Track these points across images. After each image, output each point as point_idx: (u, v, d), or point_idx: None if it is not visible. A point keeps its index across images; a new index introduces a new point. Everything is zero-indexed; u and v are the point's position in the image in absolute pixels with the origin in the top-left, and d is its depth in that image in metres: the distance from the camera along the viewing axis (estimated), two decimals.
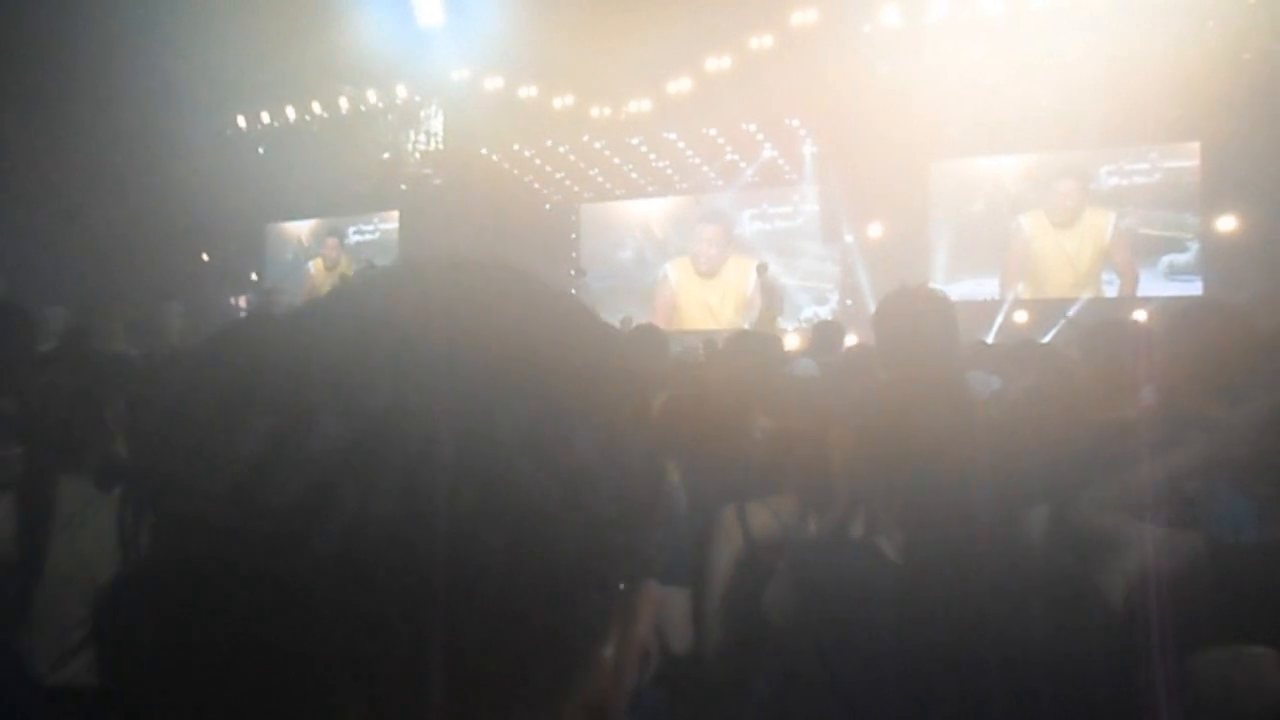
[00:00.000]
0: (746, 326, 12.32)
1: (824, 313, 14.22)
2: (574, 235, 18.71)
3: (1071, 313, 12.60)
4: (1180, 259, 13.28)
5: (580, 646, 0.50)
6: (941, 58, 12.40)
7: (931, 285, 2.91)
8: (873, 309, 2.75)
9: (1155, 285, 13.13)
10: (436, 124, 17.01)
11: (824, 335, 6.46)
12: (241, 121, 17.80)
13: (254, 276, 18.93)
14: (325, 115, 17.46)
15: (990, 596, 1.59)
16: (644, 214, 18.06)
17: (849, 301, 14.28)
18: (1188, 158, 13.19)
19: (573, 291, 0.81)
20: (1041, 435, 2.41)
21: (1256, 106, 10.62)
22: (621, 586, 0.51)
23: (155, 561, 0.46)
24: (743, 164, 16.16)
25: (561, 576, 0.46)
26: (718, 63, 13.83)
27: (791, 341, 10.66)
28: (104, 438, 2.56)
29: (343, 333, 0.48)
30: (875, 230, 13.88)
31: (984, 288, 14.07)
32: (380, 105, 17.16)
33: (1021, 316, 13.10)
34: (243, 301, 14.81)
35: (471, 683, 0.45)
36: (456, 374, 0.46)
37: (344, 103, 17.26)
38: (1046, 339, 10.21)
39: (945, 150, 13.91)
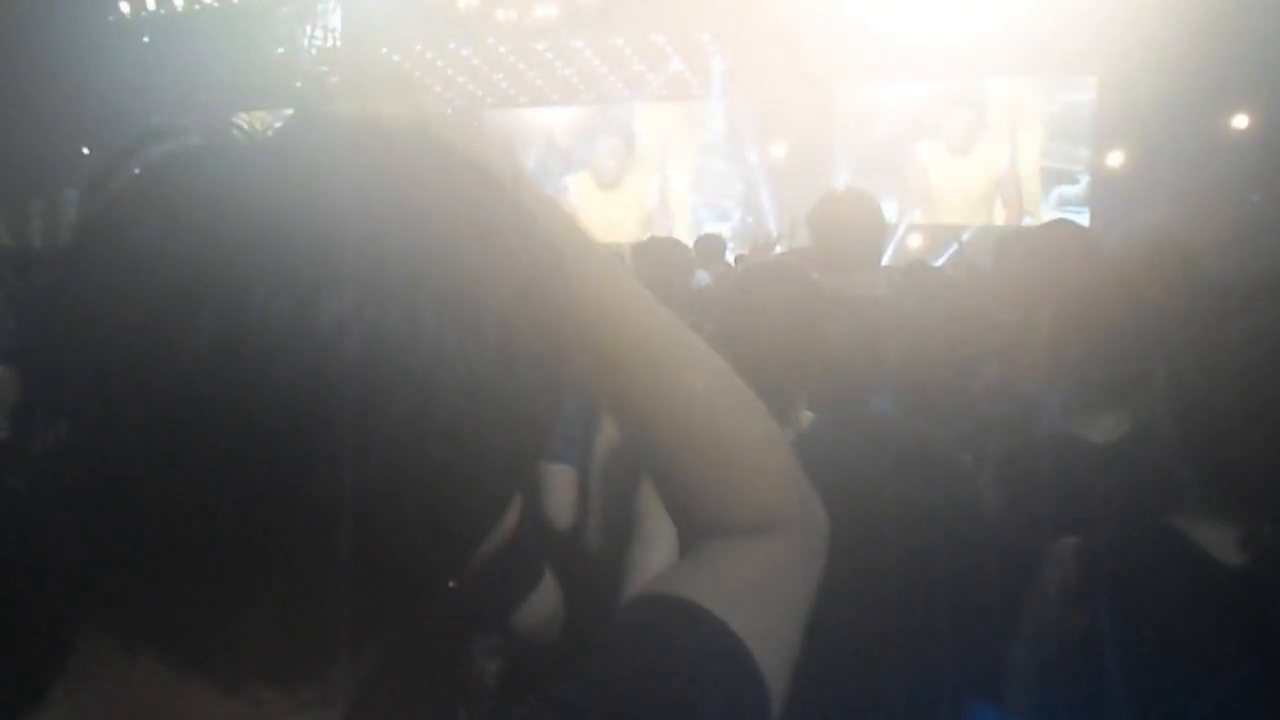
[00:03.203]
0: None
1: (726, 230, 14.30)
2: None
3: (965, 238, 12.86)
4: (1071, 191, 13.62)
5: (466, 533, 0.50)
6: None
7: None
8: (773, 227, 2.81)
9: (1045, 216, 13.45)
10: (335, 19, 16.28)
11: (708, 247, 6.96)
12: (125, 7, 16.77)
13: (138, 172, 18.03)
14: (215, 5, 16.55)
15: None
16: (547, 123, 17.73)
17: (750, 219, 14.35)
18: (1084, 91, 13.46)
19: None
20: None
21: (1154, 42, 10.85)
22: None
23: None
24: (650, 76, 15.95)
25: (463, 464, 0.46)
26: None
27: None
28: None
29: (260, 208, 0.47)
30: (779, 150, 13.93)
31: (884, 211, 14.17)
32: None
33: (916, 240, 13.34)
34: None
35: (368, 560, 0.45)
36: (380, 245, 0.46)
37: None
38: (939, 262, 10.42)
39: (852, 74, 13.95)
